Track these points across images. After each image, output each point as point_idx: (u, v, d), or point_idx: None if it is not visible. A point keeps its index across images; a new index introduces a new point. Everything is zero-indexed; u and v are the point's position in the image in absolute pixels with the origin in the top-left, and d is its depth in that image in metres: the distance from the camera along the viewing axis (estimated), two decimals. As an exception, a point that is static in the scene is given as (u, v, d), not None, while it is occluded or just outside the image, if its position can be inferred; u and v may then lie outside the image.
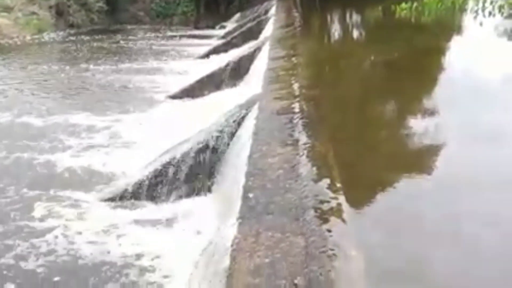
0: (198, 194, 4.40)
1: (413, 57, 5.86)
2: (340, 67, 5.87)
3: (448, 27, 8.62)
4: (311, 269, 1.69)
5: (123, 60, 13.78)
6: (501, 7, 8.14)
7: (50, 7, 21.75)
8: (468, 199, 2.36)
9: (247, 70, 8.56)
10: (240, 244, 2.00)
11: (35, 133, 6.70)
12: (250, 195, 2.46)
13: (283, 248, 1.88)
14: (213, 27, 24.12)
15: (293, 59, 6.07)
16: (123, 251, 3.57)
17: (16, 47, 16.98)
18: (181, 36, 20.54)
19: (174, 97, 8.84)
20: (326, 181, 2.40)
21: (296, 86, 4.46)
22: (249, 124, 4.06)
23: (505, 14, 7.92)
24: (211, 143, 4.49)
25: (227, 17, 26.04)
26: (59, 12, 22.32)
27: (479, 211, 2.23)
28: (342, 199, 2.22)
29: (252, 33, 13.64)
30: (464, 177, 2.55)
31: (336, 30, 10.37)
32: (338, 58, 6.62)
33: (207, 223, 3.60)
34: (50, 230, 3.91)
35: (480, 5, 8.65)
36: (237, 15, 25.53)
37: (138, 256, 3.48)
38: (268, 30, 11.75)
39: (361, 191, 2.56)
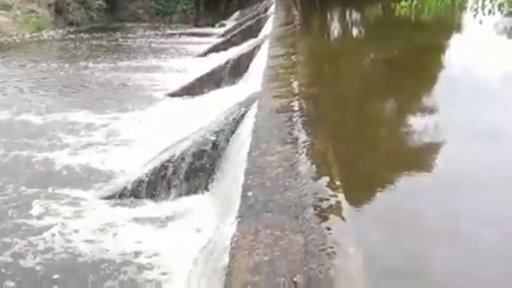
0: (197, 192, 4.39)
1: (413, 55, 5.86)
2: (339, 65, 5.86)
3: (448, 25, 8.62)
4: (311, 267, 1.69)
5: (122, 58, 13.76)
6: (500, 5, 8.12)
7: (49, 5, 21.70)
8: (467, 197, 2.36)
9: (246, 68, 8.55)
10: (239, 242, 2.00)
11: (34, 131, 6.69)
12: (249, 193, 2.45)
13: (282, 246, 1.87)
14: (212, 25, 24.09)
15: (293, 57, 6.06)
16: (122, 248, 3.57)
17: (15, 45, 16.95)
18: (180, 34, 20.51)
19: (173, 95, 8.82)
20: (326, 179, 2.40)
21: (295, 84, 4.45)
22: (248, 122, 4.06)
23: (504, 12, 7.91)
24: (211, 141, 4.48)
25: (226, 15, 26.02)
26: (58, 10, 22.26)
27: (478, 209, 2.23)
28: (341, 197, 2.22)
29: (252, 31, 13.63)
30: (463, 175, 2.54)
31: (335, 28, 10.36)
32: (338, 56, 6.61)
33: (206, 221, 3.60)
34: (48, 228, 3.89)
35: (480, 3, 8.63)
36: (237, 13, 25.52)
37: (137, 254, 3.48)
38: (268, 28, 11.74)
39: (360, 189, 2.56)
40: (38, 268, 3.38)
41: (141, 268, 3.32)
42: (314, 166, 2.57)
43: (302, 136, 3.03)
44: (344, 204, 2.16)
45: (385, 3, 10.71)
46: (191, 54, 14.37)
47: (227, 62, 9.06)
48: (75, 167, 5.31)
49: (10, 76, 10.88)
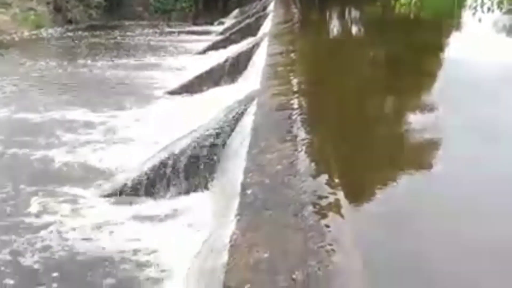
0: (197, 190, 4.39)
1: (412, 53, 5.86)
2: (338, 63, 5.86)
3: (447, 23, 8.61)
4: (310, 264, 1.69)
5: (121, 56, 13.73)
6: (500, 3, 8.12)
7: (48, 3, 21.63)
8: (466, 194, 2.36)
9: (245, 66, 8.54)
10: (239, 240, 2.00)
11: (32, 129, 6.68)
12: (249, 191, 2.45)
13: (281, 243, 1.88)
14: (211, 23, 24.03)
15: (292, 55, 6.06)
16: (121, 246, 3.57)
17: (14, 43, 16.90)
18: (179, 32, 20.45)
19: (172, 93, 8.81)
20: (325, 176, 2.40)
21: (294, 82, 4.45)
22: (248, 120, 4.05)
23: (504, 10, 7.91)
24: (210, 139, 4.48)
25: (225, 13, 25.96)
26: (57, 8, 22.19)
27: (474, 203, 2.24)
28: (340, 194, 2.22)
29: (251, 29, 13.61)
30: (462, 171, 2.55)
31: (335, 26, 10.35)
32: (337, 54, 6.60)
33: (206, 219, 3.60)
34: (47, 226, 3.90)
35: (479, 1, 8.63)
36: (236, 11, 25.45)
37: (136, 252, 3.48)
38: (267, 26, 11.72)
39: (359, 186, 2.56)
40: (36, 266, 3.38)
41: (140, 265, 3.33)
42: (313, 164, 2.57)
43: (301, 134, 3.02)
44: (343, 201, 2.16)
45: (385, 1, 10.71)
46: (190, 52, 14.34)
47: (226, 60, 9.05)
48: (74, 165, 5.31)
49: (9, 74, 10.84)
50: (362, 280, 1.65)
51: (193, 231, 3.58)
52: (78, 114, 7.36)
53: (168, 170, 4.45)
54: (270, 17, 13.22)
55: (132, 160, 5.12)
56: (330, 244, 1.79)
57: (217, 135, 4.47)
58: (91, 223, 3.93)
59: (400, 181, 2.55)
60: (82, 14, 23.86)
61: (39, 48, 16.27)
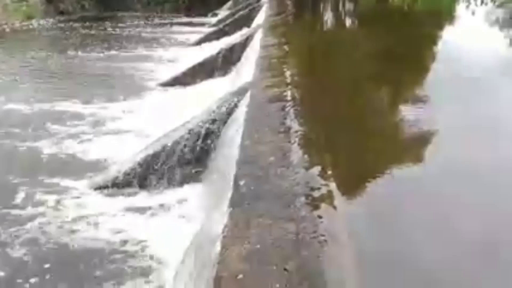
0: (190, 181, 4.38)
1: (405, 45, 5.87)
2: (332, 55, 5.85)
3: (441, 16, 8.62)
4: (302, 255, 1.69)
5: (113, 47, 13.60)
6: (493, -4, 8.15)
7: (39, -7, 21.35)
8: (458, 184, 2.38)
9: (239, 58, 8.50)
10: (231, 231, 2.00)
11: (22, 120, 6.62)
12: (241, 182, 2.45)
13: (274, 234, 1.88)
14: (205, 15, 23.87)
15: (285, 47, 6.03)
16: (114, 238, 3.57)
17: (4, 34, 16.69)
18: (172, 24, 20.31)
19: (165, 85, 8.77)
20: (318, 168, 2.40)
21: (288, 73, 4.43)
22: (240, 112, 4.04)
23: (497, 3, 7.94)
24: (203, 131, 4.47)
25: (219, 5, 25.77)
26: (49, -1, 21.92)
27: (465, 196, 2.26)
28: (333, 186, 2.22)
29: (245, 21, 13.53)
30: (455, 163, 2.56)
31: (328, 18, 10.32)
32: (331, 46, 6.59)
33: (199, 210, 3.60)
34: (38, 218, 3.88)
35: (473, -6, 8.66)
36: (229, 3, 25.27)
37: (129, 243, 3.48)
38: (261, 17, 11.66)
39: (352, 177, 2.57)
40: (27, 258, 3.37)
41: (133, 257, 3.33)
42: (306, 156, 2.57)
43: (295, 126, 3.02)
44: (336, 192, 2.16)
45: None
46: (183, 43, 14.25)
47: (219, 52, 9.00)
48: (64, 157, 5.28)
49: (-1, 65, 10.74)
50: (353, 269, 1.66)
51: (186, 223, 3.58)
52: (68, 105, 7.30)
53: (161, 162, 4.44)
54: (264, 8, 13.14)
55: (125, 152, 5.09)
56: (323, 235, 1.79)
57: (210, 127, 4.45)
58: (82, 215, 3.92)
59: (393, 172, 2.56)
60: (75, 5, 23.59)
61: (30, 39, 16.09)
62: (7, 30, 17.51)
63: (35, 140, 5.77)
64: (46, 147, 5.53)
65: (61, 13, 22.34)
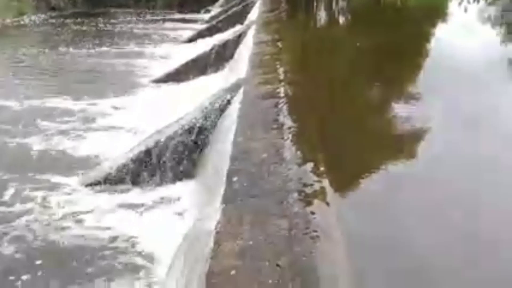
0: (182, 178, 4.36)
1: (397, 41, 5.89)
2: (325, 51, 5.85)
3: (433, 13, 8.65)
4: (295, 251, 1.69)
5: (104, 43, 13.49)
6: (485, -7, 8.20)
7: (31, -11, 21.10)
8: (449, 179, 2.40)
9: (232, 55, 8.48)
10: (224, 227, 1.99)
11: (12, 116, 6.56)
12: (234, 178, 2.44)
13: (266, 230, 1.87)
14: (198, 11, 23.75)
15: (278, 43, 6.02)
16: (107, 235, 3.55)
17: (-5, 30, 16.52)
18: (165, 20, 20.19)
19: (158, 81, 8.73)
20: (310, 164, 2.40)
21: (281, 70, 4.43)
22: (233, 108, 4.03)
23: (489, 0, 7.98)
24: (196, 128, 4.45)
25: (212, 1, 25.65)
26: (40, -6, 21.68)
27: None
28: (325, 182, 2.22)
29: (238, 18, 13.49)
30: (447, 158, 2.58)
31: (321, 15, 10.32)
32: (324, 42, 6.59)
33: (191, 206, 3.59)
34: (29, 214, 3.85)
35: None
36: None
37: (122, 240, 3.47)
38: (254, 14, 11.63)
39: (345, 173, 2.57)
40: (17, 255, 3.35)
41: (125, 253, 3.32)
42: (299, 152, 2.57)
43: (288, 122, 3.02)
44: (328, 188, 2.17)
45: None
46: (176, 40, 14.18)
47: (212, 49, 8.97)
48: (56, 153, 5.24)
49: (-11, 61, 10.62)
50: (346, 265, 1.67)
51: (179, 219, 3.57)
52: (59, 102, 7.25)
53: (154, 158, 4.42)
54: (257, 5, 13.12)
55: (117, 149, 5.06)
56: (315, 231, 1.79)
57: (203, 123, 4.44)
58: (74, 212, 3.89)
59: (386, 168, 2.57)
60: (66, 1, 23.35)
61: (21, 35, 15.94)
62: (-2, 26, 17.32)
63: (25, 136, 5.72)
64: (37, 144, 5.49)
65: (53, 9, 22.12)
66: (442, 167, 2.53)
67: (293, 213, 1.96)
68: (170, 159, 4.39)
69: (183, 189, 4.14)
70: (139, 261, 3.22)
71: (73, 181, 4.50)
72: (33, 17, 19.73)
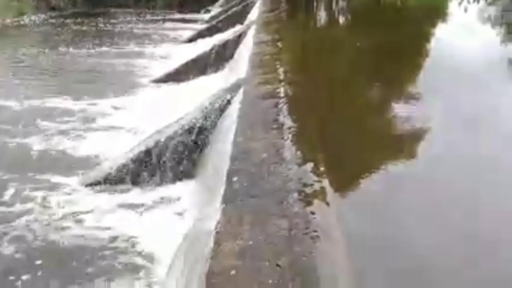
0: (182, 178, 4.36)
1: (397, 41, 5.89)
2: (325, 51, 5.85)
3: (433, 13, 8.65)
4: (295, 251, 1.69)
5: (104, 44, 13.49)
6: (485, -6, 8.20)
7: (31, -11, 21.09)
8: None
9: (232, 55, 8.48)
10: (224, 227, 1.99)
11: (12, 116, 6.55)
12: (234, 178, 2.44)
13: (266, 230, 1.87)
14: (198, 11, 23.75)
15: (278, 43, 6.02)
16: (107, 235, 3.55)
17: (-5, 30, 16.52)
18: (164, 20, 20.19)
19: (158, 81, 8.73)
20: (310, 164, 2.40)
21: (281, 70, 4.43)
22: (233, 108, 4.03)
23: (489, 0, 7.98)
24: (196, 127, 4.45)
25: (212, 1, 25.65)
26: (40, -6, 21.67)
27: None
28: (325, 182, 2.22)
29: (238, 18, 13.49)
30: (447, 158, 2.58)
31: (321, 15, 10.32)
32: (324, 42, 6.59)
33: (191, 206, 3.59)
34: (30, 214, 3.85)
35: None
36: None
37: (123, 240, 3.46)
38: (254, 14, 11.63)
39: (345, 174, 2.57)
40: (17, 255, 3.34)
41: (127, 254, 3.31)
42: (299, 152, 2.57)
43: (288, 122, 3.02)
44: (328, 188, 2.16)
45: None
46: (176, 40, 14.18)
47: (212, 49, 8.97)
48: (56, 153, 5.24)
49: (-11, 61, 10.62)
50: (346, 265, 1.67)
51: (179, 219, 3.57)
52: (59, 102, 7.25)
53: (154, 158, 4.42)
54: (257, 5, 13.11)
55: (117, 149, 5.06)
56: (315, 231, 1.79)
57: (203, 123, 4.44)
58: (74, 212, 3.89)
59: (386, 168, 2.57)
60: (66, 0, 23.34)
61: (21, 35, 15.94)
62: (-2, 26, 17.32)
63: (25, 136, 5.72)
64: (37, 144, 5.49)
65: (53, 9, 22.12)
66: (442, 167, 2.53)
67: (293, 213, 1.96)
68: (170, 159, 4.39)
69: (183, 189, 4.14)
70: (139, 261, 3.22)
71: (73, 181, 4.50)
72: (33, 17, 19.73)
